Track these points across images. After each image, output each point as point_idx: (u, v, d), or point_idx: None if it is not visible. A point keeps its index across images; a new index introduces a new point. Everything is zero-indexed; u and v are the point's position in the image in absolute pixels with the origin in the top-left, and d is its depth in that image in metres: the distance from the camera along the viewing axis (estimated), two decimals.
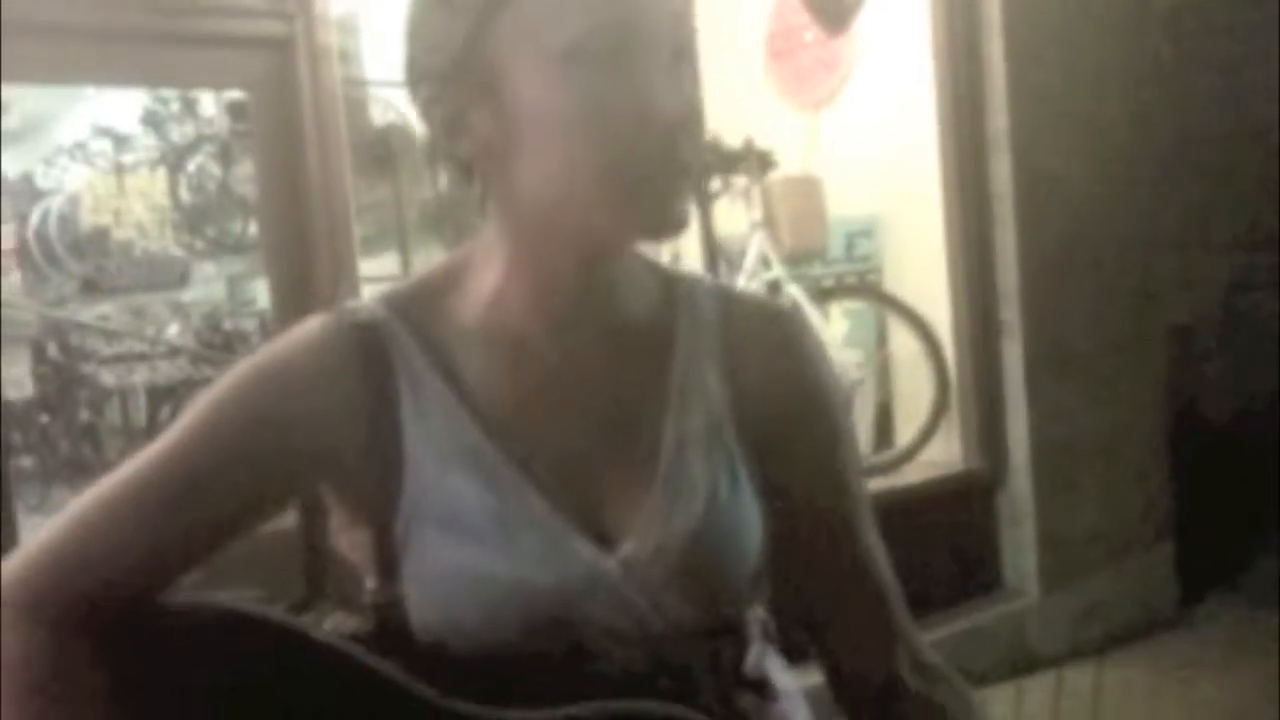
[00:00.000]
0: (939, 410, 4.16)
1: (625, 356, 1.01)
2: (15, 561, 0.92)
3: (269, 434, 0.95)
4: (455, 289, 1.01)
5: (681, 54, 0.94)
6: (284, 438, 0.95)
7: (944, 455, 4.24)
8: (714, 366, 1.04)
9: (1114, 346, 4.29)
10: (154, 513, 0.93)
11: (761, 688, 1.06)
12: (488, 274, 0.99)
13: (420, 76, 0.96)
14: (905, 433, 4.28)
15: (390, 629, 0.95)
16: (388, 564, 0.96)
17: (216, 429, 0.95)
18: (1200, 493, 4.53)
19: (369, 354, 0.96)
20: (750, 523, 1.02)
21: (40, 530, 0.94)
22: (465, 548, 0.94)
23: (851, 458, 1.11)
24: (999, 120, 4.04)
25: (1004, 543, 4.28)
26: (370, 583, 0.98)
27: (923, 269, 4.24)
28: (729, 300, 1.09)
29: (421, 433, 0.96)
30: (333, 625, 0.97)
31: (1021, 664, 4.05)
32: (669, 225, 0.94)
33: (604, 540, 0.98)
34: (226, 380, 0.97)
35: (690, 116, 0.93)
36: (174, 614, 0.92)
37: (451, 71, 0.93)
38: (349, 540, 1.02)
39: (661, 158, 0.92)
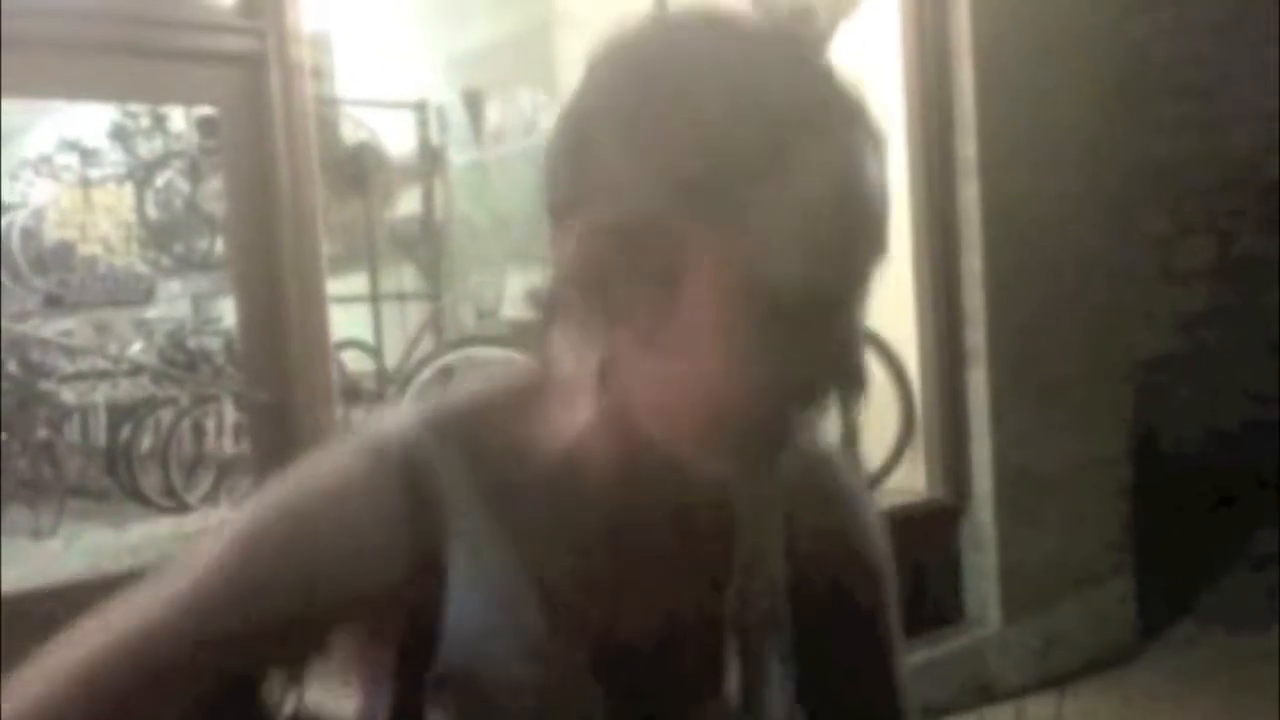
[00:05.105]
0: (904, 438, 4.17)
1: (692, 524, 0.92)
2: None
3: (306, 585, 0.84)
4: (517, 419, 0.89)
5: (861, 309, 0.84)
6: (322, 589, 0.85)
7: (908, 483, 4.25)
8: (774, 531, 0.97)
9: (1079, 376, 4.32)
10: (159, 676, 0.82)
11: None
12: (563, 418, 0.87)
13: (573, 204, 0.80)
14: (870, 460, 4.29)
15: None
16: (409, 710, 0.89)
17: (242, 579, 0.83)
18: (1162, 524, 4.56)
19: (418, 492, 0.86)
20: (790, 697, 0.99)
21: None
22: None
23: (896, 618, 1.07)
24: (967, 148, 4.07)
25: (966, 572, 4.29)
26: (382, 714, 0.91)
27: (889, 295, 4.24)
28: None
29: (469, 579, 0.87)
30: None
31: (982, 694, 4.05)
32: (742, 478, 0.90)
33: None
34: (250, 523, 0.86)
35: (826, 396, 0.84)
36: None
37: (618, 226, 0.78)
38: (358, 652, 0.93)
39: (780, 429, 0.84)
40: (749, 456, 0.84)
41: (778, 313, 0.78)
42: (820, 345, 0.81)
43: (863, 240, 0.82)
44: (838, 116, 0.80)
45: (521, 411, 0.89)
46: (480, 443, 0.88)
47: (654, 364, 0.81)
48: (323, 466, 0.88)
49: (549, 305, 0.84)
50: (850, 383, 0.83)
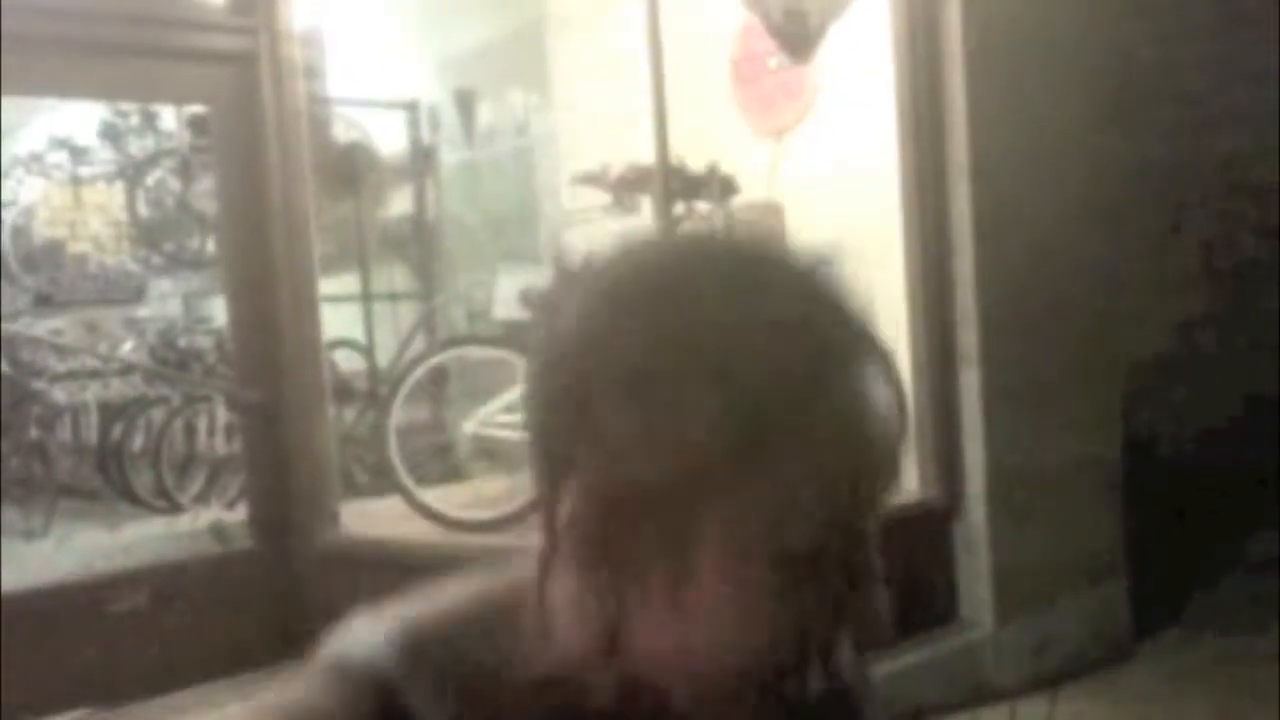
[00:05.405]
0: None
1: None
2: None
3: None
4: (496, 644, 0.83)
5: None
6: None
7: (901, 484, 4.25)
8: None
9: (1072, 378, 4.32)
10: None
11: None
12: (551, 652, 0.82)
13: (570, 459, 0.75)
14: None
15: None
16: None
17: None
18: (1158, 526, 4.57)
19: (385, 717, 0.81)
20: None
21: None
22: None
23: None
24: (959, 151, 4.07)
25: (959, 573, 4.28)
26: None
27: (882, 297, 4.24)
28: None
29: None
30: None
31: (976, 695, 4.05)
32: None
33: None
34: None
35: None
36: None
37: (624, 492, 0.74)
38: None
39: (795, 680, 0.79)
40: (759, 709, 0.80)
41: (793, 566, 0.75)
42: (837, 592, 0.77)
43: (877, 478, 0.79)
44: (850, 355, 0.77)
45: (501, 636, 0.83)
46: (454, 666, 0.82)
47: (659, 621, 0.76)
48: (284, 696, 0.83)
49: (544, 556, 0.79)
50: (870, 630, 0.79)
